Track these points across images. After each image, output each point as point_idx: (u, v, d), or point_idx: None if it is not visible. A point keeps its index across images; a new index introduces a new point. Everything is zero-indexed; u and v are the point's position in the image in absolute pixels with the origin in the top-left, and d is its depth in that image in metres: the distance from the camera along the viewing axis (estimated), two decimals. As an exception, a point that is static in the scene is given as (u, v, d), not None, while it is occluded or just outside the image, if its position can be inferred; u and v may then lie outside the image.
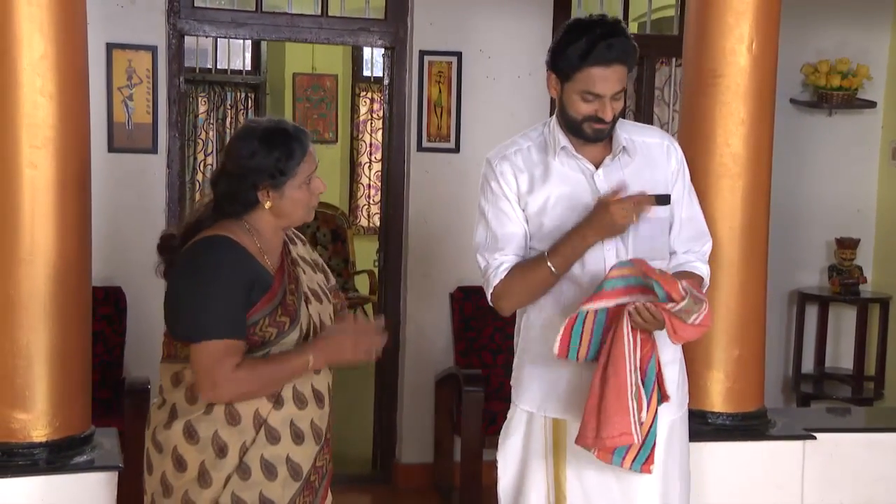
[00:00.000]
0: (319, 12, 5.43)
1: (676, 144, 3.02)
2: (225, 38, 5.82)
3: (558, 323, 2.75)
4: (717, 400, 3.73)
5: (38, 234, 3.13)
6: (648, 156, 2.92)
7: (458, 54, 5.43)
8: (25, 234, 3.12)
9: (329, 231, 9.40)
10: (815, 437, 3.79)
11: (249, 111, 9.26)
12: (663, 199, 2.86)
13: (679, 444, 3.06)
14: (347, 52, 9.37)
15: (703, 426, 3.69)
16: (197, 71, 9.05)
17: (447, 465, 5.36)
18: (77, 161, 3.23)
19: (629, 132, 2.93)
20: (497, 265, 2.90)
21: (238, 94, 9.26)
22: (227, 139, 9.12)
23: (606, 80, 2.73)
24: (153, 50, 5.08)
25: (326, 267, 2.96)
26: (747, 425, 3.75)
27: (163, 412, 2.66)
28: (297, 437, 2.67)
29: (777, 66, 3.80)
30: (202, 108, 9.13)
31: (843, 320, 6.15)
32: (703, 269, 3.00)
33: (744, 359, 3.73)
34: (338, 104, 9.49)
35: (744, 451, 3.73)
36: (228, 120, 9.22)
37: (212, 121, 9.15)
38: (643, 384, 2.71)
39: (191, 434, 2.60)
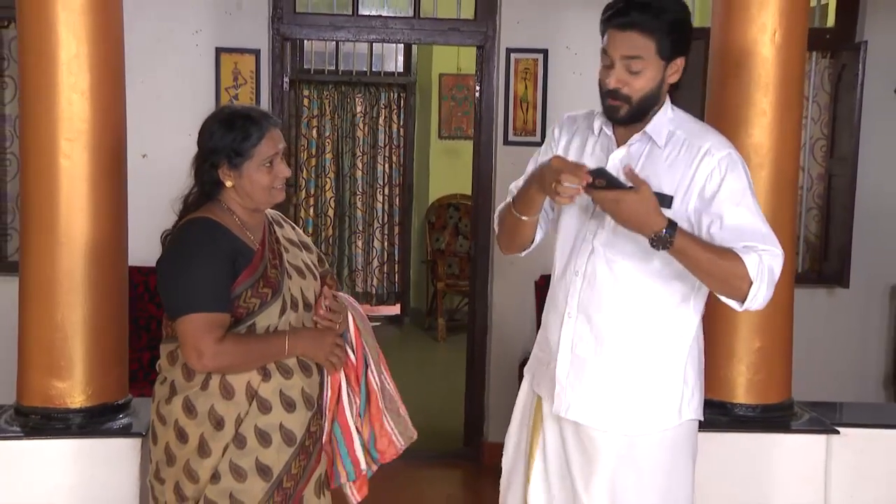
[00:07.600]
0: (412, 14, 5.65)
1: (725, 158, 2.66)
2: (323, 40, 6.11)
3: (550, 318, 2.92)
4: (739, 391, 3.71)
5: (73, 219, 3.45)
6: (676, 154, 2.70)
7: (545, 51, 5.53)
8: (61, 219, 3.44)
9: (471, 222, 9.59)
10: (837, 432, 3.69)
11: (401, 110, 9.58)
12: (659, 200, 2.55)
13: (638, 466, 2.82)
14: (492, 51, 9.49)
15: (721, 416, 3.69)
16: (354, 74, 9.45)
17: (529, 445, 5.45)
18: (109, 153, 3.52)
19: (682, 127, 2.74)
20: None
21: (391, 95, 9.59)
22: (381, 137, 9.55)
23: (615, 41, 2.64)
24: (256, 53, 5.42)
25: (316, 249, 3.14)
26: (768, 417, 3.71)
27: (164, 388, 2.89)
28: (289, 406, 2.85)
29: (805, 56, 3.72)
30: (359, 108, 9.52)
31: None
32: (749, 259, 2.56)
33: (766, 350, 3.69)
34: (482, 102, 9.65)
35: (762, 443, 3.69)
36: (382, 118, 9.57)
37: (367, 120, 9.53)
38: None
39: (189, 409, 2.81)
